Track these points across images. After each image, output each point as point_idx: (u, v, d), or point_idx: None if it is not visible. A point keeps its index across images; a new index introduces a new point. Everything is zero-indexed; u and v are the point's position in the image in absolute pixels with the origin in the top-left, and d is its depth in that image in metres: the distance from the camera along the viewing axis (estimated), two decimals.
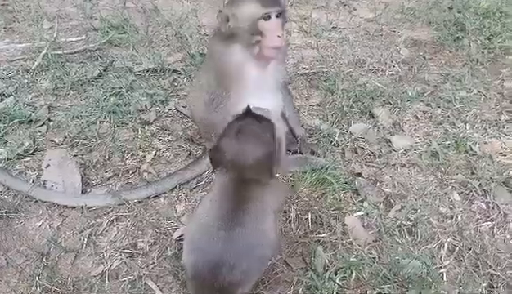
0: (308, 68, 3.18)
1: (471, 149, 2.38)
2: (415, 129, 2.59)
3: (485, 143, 2.44)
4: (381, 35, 3.65)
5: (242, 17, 1.86)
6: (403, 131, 2.57)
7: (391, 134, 2.53)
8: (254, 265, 1.49)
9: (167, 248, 1.86)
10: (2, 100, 2.75)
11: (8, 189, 2.12)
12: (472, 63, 3.19)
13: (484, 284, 1.70)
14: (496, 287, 1.69)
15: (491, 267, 1.76)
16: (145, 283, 1.72)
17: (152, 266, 1.80)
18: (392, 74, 3.13)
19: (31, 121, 2.56)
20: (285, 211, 2.00)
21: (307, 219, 1.98)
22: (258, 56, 1.93)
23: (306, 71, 3.15)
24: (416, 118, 2.68)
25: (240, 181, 1.47)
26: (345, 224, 1.95)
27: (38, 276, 1.72)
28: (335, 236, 1.91)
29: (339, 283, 1.70)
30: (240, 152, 1.43)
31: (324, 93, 2.89)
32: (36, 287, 1.68)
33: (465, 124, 2.59)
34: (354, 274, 1.73)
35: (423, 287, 1.65)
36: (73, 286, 1.71)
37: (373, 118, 2.65)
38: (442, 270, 1.76)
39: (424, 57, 3.30)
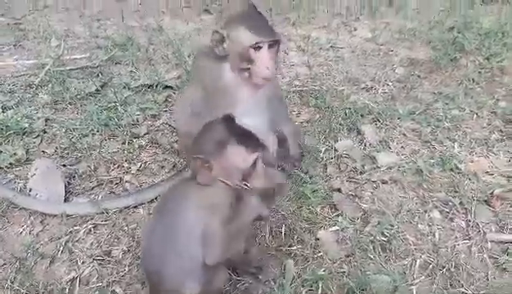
0: (301, 85, 3.22)
1: (457, 168, 2.34)
2: (402, 147, 2.57)
3: (472, 161, 2.40)
4: (378, 54, 3.67)
5: (236, 41, 1.86)
6: (390, 148, 2.55)
7: (377, 151, 2.52)
8: (181, 265, 1.48)
9: (139, 257, 1.88)
10: (3, 111, 2.87)
11: None
12: (468, 82, 3.16)
13: None
14: None
15: (463, 286, 1.72)
16: (113, 290, 1.75)
17: (123, 273, 1.83)
18: (385, 92, 3.13)
19: (26, 132, 2.66)
20: (259, 225, 2.00)
21: (281, 232, 1.99)
22: (247, 81, 1.93)
23: (298, 88, 3.18)
24: (405, 135, 2.66)
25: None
26: (318, 239, 1.94)
27: (11, 280, 1.77)
28: (307, 250, 1.90)
29: None
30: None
31: (314, 110, 2.92)
32: (8, 289, 1.73)
33: (453, 143, 2.56)
34: (321, 288, 1.71)
35: None
36: (44, 290, 1.75)
37: (360, 134, 2.65)
38: (412, 287, 1.73)
39: (419, 76, 3.30)
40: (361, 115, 2.81)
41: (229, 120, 1.54)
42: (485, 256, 1.86)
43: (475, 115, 2.81)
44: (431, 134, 2.66)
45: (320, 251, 1.88)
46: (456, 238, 1.96)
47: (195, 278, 1.49)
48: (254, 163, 1.52)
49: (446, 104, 2.94)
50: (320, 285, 1.72)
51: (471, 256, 1.87)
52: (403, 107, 2.91)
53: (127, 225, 2.04)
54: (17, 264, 1.84)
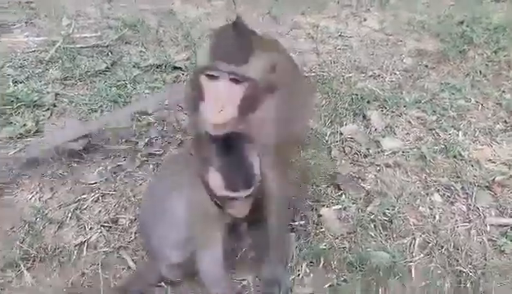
0: (309, 71, 3.24)
1: (460, 155, 2.38)
2: (407, 133, 2.60)
3: (475, 150, 2.43)
4: (387, 44, 3.68)
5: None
6: (395, 134, 2.58)
7: (382, 136, 2.55)
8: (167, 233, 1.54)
9: None
10: (14, 85, 2.92)
11: (6, 164, 2.25)
12: (475, 74, 3.18)
13: (451, 280, 1.69)
14: (464, 284, 1.68)
15: (460, 265, 1.75)
16: (119, 255, 1.80)
17: (129, 240, 1.88)
18: (392, 81, 3.15)
19: (36, 105, 2.70)
20: None
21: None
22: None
23: (306, 74, 3.20)
24: (410, 122, 2.69)
25: None
26: (320, 215, 1.98)
27: (21, 241, 1.82)
28: (310, 226, 1.94)
29: (307, 269, 1.73)
30: None
31: (321, 95, 2.94)
32: (17, 250, 1.78)
33: (458, 131, 2.59)
34: (322, 262, 1.75)
35: (388, 277, 1.65)
36: (53, 252, 1.80)
37: (366, 120, 2.68)
38: (411, 264, 1.77)
39: (427, 66, 3.31)
40: (368, 101, 2.84)
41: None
42: (484, 238, 1.90)
43: (480, 106, 2.83)
44: (436, 122, 2.68)
45: (322, 228, 1.92)
46: (456, 220, 1.99)
47: (179, 247, 1.54)
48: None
49: (453, 94, 2.96)
50: (321, 259, 1.75)
51: (470, 238, 1.90)
52: (409, 95, 2.94)
53: (134, 196, 2.08)
54: (26, 227, 1.89)
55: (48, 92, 2.86)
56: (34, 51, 3.40)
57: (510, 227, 1.92)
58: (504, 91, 2.98)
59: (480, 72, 3.19)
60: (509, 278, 1.69)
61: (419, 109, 2.82)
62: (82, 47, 3.40)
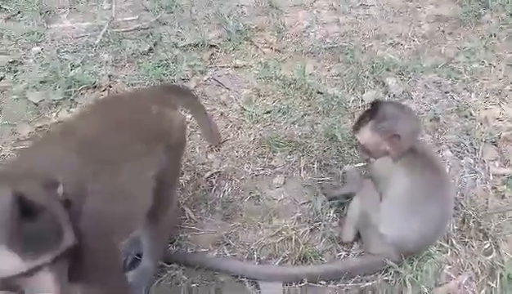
0: (332, 42, 3.51)
1: (471, 114, 2.65)
2: (422, 97, 2.88)
3: (485, 109, 2.70)
4: (406, 11, 3.87)
5: None
6: (411, 98, 2.87)
7: (400, 101, 2.84)
8: None
9: (199, 185, 2.34)
10: (72, 69, 3.33)
11: None
12: (489, 38, 3.38)
13: (457, 221, 2.03)
14: (467, 223, 2.02)
15: (465, 208, 2.08)
16: (182, 208, 2.22)
17: (187, 197, 2.29)
18: (410, 48, 3.39)
19: (95, 87, 3.11)
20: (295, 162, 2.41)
21: (314, 167, 2.39)
22: None
23: (329, 45, 3.47)
24: (426, 87, 2.96)
25: None
26: (345, 172, 2.33)
27: None
28: (335, 181, 2.30)
29: (334, 216, 2.11)
30: None
31: (344, 65, 3.23)
32: None
33: (470, 93, 2.85)
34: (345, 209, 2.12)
35: None
36: None
37: (385, 86, 2.97)
38: None
39: (443, 32, 3.52)
40: (387, 69, 3.11)
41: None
42: (487, 186, 2.21)
43: (493, 68, 3.06)
44: (451, 85, 2.95)
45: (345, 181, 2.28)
46: (464, 172, 2.30)
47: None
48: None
49: (468, 57, 3.19)
50: (345, 207, 2.12)
51: (475, 187, 2.22)
52: (426, 61, 3.18)
53: (188, 160, 2.48)
54: None
55: (103, 75, 3.26)
56: (83, 36, 3.79)
57: (511, 176, 2.22)
58: None
59: (494, 35, 3.38)
60: (507, 217, 2.01)
61: (435, 73, 3.07)
62: (125, 31, 3.77)
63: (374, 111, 1.91)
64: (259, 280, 1.85)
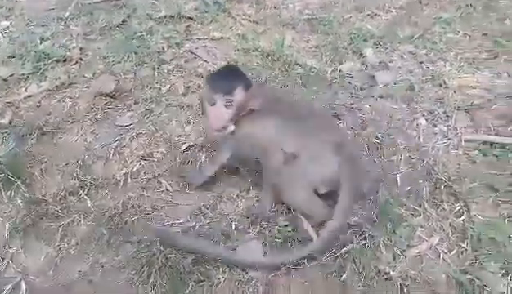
0: (311, 14, 3.48)
1: (445, 83, 2.68)
2: (399, 67, 2.89)
3: (459, 78, 2.72)
4: None
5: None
6: (388, 69, 2.88)
7: (376, 70, 2.85)
8: None
9: (176, 158, 2.32)
10: (41, 42, 3.22)
11: (49, 113, 2.62)
12: (466, 8, 3.39)
13: (429, 185, 2.07)
14: (439, 188, 2.06)
15: (437, 173, 2.12)
16: (158, 181, 2.20)
17: (164, 170, 2.27)
18: (388, 19, 3.38)
19: (66, 60, 3.02)
20: None
21: None
22: None
23: (308, 16, 3.44)
24: (402, 57, 2.97)
25: None
26: None
27: (77, 172, 2.23)
28: None
29: None
30: None
31: (322, 36, 3.21)
32: (75, 179, 2.19)
33: (445, 62, 2.87)
34: None
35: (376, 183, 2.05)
36: (103, 181, 2.21)
37: (362, 57, 2.97)
38: (397, 175, 2.14)
39: (420, 2, 3.52)
40: (365, 40, 3.11)
41: None
42: (460, 152, 2.25)
43: (468, 37, 3.09)
44: (425, 55, 2.96)
45: None
46: (437, 139, 2.34)
47: None
48: None
49: (443, 28, 3.20)
50: None
51: (448, 153, 2.26)
52: (403, 32, 3.19)
53: (164, 134, 2.45)
54: (80, 162, 2.29)
55: (74, 47, 3.16)
56: (53, 9, 3.66)
57: (482, 142, 2.26)
58: (491, 22, 3.21)
59: (471, 5, 3.40)
60: (477, 181, 2.06)
61: (411, 44, 3.08)
62: (97, 2, 3.65)
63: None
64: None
